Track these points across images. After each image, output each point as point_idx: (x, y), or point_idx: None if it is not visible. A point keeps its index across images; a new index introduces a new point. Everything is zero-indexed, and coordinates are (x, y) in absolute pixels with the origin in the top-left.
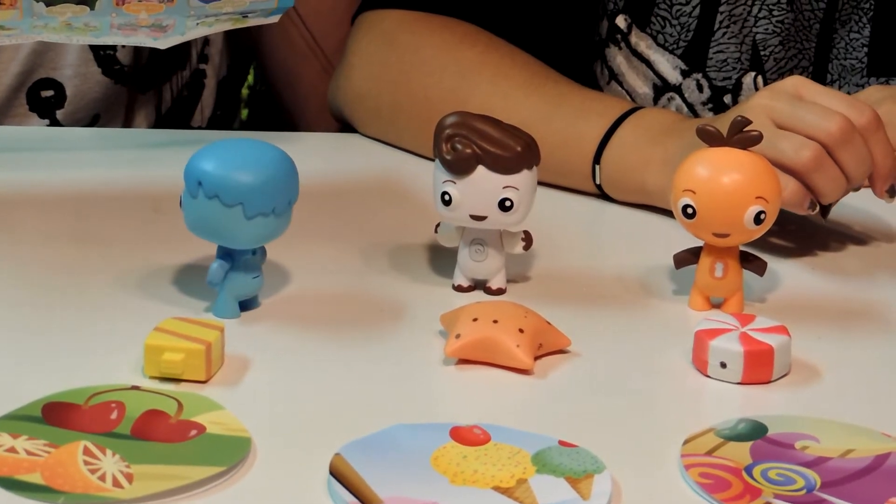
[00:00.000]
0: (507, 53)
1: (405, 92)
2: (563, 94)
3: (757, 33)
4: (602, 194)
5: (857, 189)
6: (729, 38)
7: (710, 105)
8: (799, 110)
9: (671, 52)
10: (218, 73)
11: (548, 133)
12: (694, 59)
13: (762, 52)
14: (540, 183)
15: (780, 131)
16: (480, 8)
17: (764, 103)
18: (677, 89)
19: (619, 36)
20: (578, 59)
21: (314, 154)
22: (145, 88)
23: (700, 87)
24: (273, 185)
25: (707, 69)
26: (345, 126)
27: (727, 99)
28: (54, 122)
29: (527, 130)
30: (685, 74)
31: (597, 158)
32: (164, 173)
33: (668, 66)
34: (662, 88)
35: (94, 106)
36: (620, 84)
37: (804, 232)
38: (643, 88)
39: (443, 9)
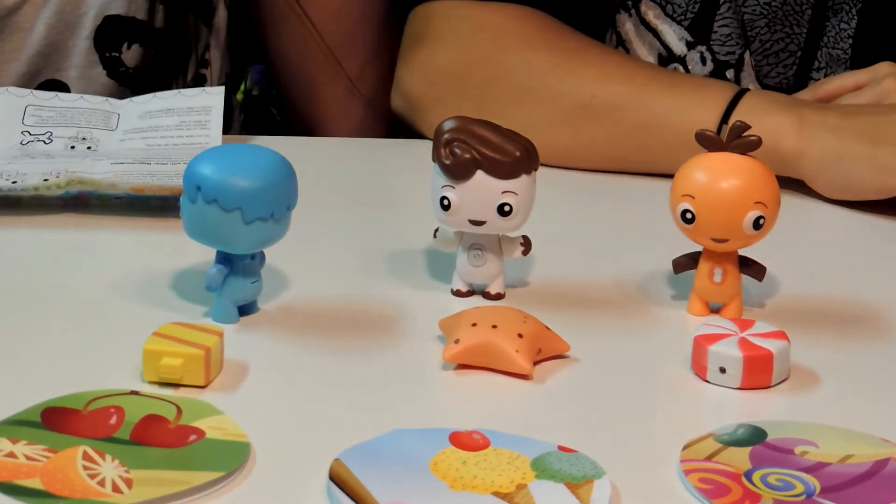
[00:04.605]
0: (605, 45)
1: (502, 70)
2: (677, 73)
3: (745, 13)
4: None
5: None
6: (732, 14)
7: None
8: None
9: (678, 23)
10: (218, 78)
11: (668, 96)
12: (700, 31)
13: (749, 33)
14: (640, 173)
15: None
16: None
17: None
18: (681, 60)
19: (629, 2)
20: (592, 26)
21: (313, 159)
22: (150, 90)
23: (703, 60)
24: (272, 189)
25: (712, 42)
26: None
27: (729, 74)
28: None
29: (645, 94)
30: (690, 46)
31: (724, 120)
32: None
33: (675, 37)
34: (667, 59)
35: None
36: (627, 52)
37: (804, 237)
38: (648, 58)
39: None
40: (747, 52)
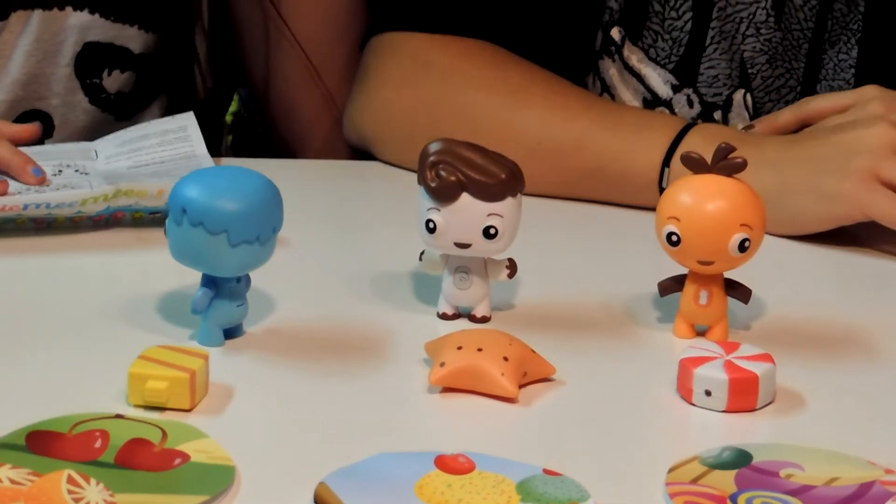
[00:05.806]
0: (550, 76)
1: (448, 109)
2: (621, 110)
3: (745, 51)
4: None
5: None
6: (720, 55)
7: (699, 121)
8: None
9: (663, 66)
10: (202, 96)
11: (612, 140)
12: (685, 74)
13: (749, 70)
14: (593, 201)
15: None
16: (487, 22)
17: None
18: (667, 104)
19: (612, 48)
20: (573, 71)
21: (299, 181)
22: (131, 115)
23: (690, 103)
24: (257, 212)
25: (698, 84)
26: (356, 154)
27: (717, 115)
28: None
29: (590, 139)
30: (676, 89)
31: (666, 162)
32: None
33: (660, 81)
34: (653, 102)
35: (82, 134)
36: (612, 97)
37: (788, 260)
38: (633, 102)
39: (447, 26)
40: (738, 92)
